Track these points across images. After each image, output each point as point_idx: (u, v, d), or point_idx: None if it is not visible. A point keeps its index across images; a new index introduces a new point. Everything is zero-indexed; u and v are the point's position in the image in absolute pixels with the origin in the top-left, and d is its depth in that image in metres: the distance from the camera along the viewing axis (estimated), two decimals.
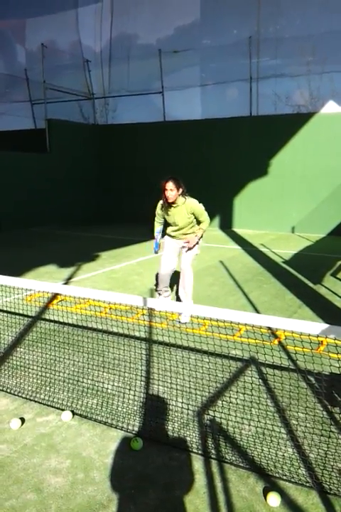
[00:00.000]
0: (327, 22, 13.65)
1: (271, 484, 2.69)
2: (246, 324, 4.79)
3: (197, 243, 5.60)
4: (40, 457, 2.95)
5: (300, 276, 8.10)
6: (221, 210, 14.91)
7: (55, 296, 6.09)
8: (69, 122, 16.09)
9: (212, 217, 16.02)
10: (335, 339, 2.51)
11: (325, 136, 13.14)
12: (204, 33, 15.65)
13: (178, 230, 5.57)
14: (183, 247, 5.61)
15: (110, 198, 16.70)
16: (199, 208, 5.44)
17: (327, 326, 2.49)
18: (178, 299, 5.85)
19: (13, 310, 5.14)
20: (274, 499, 2.52)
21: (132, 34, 16.85)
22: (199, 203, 5.47)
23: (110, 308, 5.36)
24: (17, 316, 5.06)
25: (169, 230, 5.70)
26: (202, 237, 5.65)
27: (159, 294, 5.87)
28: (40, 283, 3.77)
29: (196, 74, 15.88)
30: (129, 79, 16.50)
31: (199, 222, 5.53)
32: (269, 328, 4.87)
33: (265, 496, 2.57)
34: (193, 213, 5.43)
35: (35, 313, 5.54)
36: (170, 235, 5.70)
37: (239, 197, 14.63)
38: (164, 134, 15.47)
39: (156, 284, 6.14)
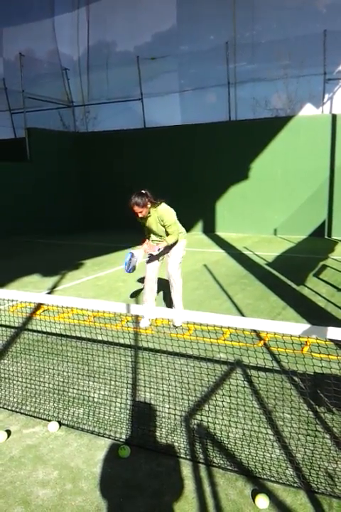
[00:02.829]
0: (302, 26, 13.88)
1: (259, 486, 2.71)
2: (230, 327, 4.83)
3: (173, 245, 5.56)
4: (27, 469, 2.93)
5: (283, 277, 8.18)
6: (203, 215, 14.99)
7: (39, 306, 6.04)
8: (49, 131, 16.02)
9: (194, 221, 15.96)
10: (317, 339, 2.55)
11: (303, 138, 13.32)
12: (181, 40, 15.77)
13: (156, 236, 5.55)
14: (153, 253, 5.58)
15: (93, 205, 16.65)
16: (168, 218, 5.32)
17: (308, 326, 2.52)
18: (172, 304, 5.80)
19: None
20: (263, 501, 2.54)
21: (110, 42, 16.89)
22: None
23: (95, 317, 5.34)
24: (0, 327, 5.00)
25: (151, 237, 5.70)
26: (182, 236, 5.60)
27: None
28: (24, 293, 3.74)
29: (174, 80, 15.96)
30: (108, 86, 16.52)
31: (167, 234, 5.42)
32: (254, 331, 4.91)
33: (253, 499, 2.59)
34: (162, 221, 5.35)
35: (19, 324, 5.49)
36: (152, 241, 5.69)
37: (221, 201, 14.72)
38: (145, 140, 15.50)
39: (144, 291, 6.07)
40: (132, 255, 5.42)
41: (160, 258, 5.69)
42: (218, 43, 14.75)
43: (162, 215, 5.32)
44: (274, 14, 14.40)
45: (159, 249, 5.42)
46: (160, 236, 5.50)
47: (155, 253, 5.46)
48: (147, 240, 5.62)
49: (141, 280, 7.90)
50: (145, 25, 15.61)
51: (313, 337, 2.59)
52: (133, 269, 5.45)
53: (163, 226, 5.37)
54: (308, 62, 13.80)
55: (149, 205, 5.29)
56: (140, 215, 5.31)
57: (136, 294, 7.13)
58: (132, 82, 15.94)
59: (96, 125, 17.32)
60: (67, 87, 17.38)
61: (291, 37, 13.78)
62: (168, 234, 5.41)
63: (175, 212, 5.48)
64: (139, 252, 5.52)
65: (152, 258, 5.66)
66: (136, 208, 5.23)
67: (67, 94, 17.37)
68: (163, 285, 6.39)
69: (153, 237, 5.63)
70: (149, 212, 5.36)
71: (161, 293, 6.79)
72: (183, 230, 5.69)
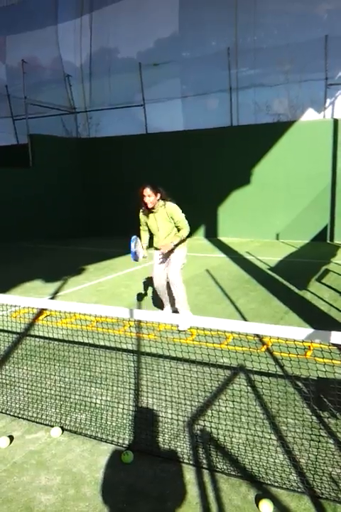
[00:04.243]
0: (304, 31, 13.93)
1: (263, 491, 2.69)
2: (233, 332, 4.82)
3: (174, 250, 5.56)
4: (29, 475, 2.92)
5: (285, 282, 8.17)
6: (205, 220, 15.00)
7: (41, 311, 6.04)
8: (52, 137, 16.07)
9: (196, 226, 16.01)
10: (321, 343, 2.54)
11: (305, 143, 13.34)
12: (183, 46, 15.85)
13: (161, 238, 5.56)
14: (161, 257, 5.61)
15: (95, 211, 16.67)
16: (178, 214, 5.44)
17: (312, 330, 2.51)
18: (175, 311, 5.81)
19: None
20: (267, 506, 2.52)
21: (112, 48, 16.97)
22: (183, 211, 5.49)
23: (97, 322, 5.34)
24: (2, 333, 5.00)
25: (154, 242, 5.70)
26: (183, 244, 5.62)
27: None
28: (26, 299, 3.74)
29: (177, 86, 16.01)
30: (111, 92, 16.59)
31: (179, 230, 5.52)
32: (257, 336, 4.89)
33: (257, 504, 2.57)
34: (172, 218, 5.42)
35: (22, 330, 5.48)
36: (156, 248, 5.70)
37: (223, 206, 14.74)
38: (147, 145, 15.54)
39: (145, 294, 6.13)
40: (136, 243, 5.49)
41: (166, 266, 5.69)
42: (220, 49, 14.82)
43: (172, 212, 5.40)
44: (276, 20, 14.46)
45: (173, 243, 5.44)
46: (164, 236, 5.51)
47: (169, 248, 5.45)
48: (139, 241, 5.62)
49: (144, 284, 7.91)
50: (148, 31, 15.68)
51: (317, 342, 2.57)
52: (136, 258, 5.52)
53: (174, 222, 5.45)
54: (310, 67, 13.84)
55: (159, 197, 5.37)
56: (147, 201, 5.33)
57: (138, 299, 7.13)
58: (134, 88, 16.02)
59: (99, 131, 17.39)
60: (70, 94, 17.46)
61: (293, 42, 13.81)
62: (178, 230, 5.49)
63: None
64: (140, 249, 5.60)
65: (159, 266, 5.66)
66: (147, 191, 5.29)
67: (69, 100, 17.45)
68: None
69: (156, 240, 5.64)
70: (155, 208, 5.40)
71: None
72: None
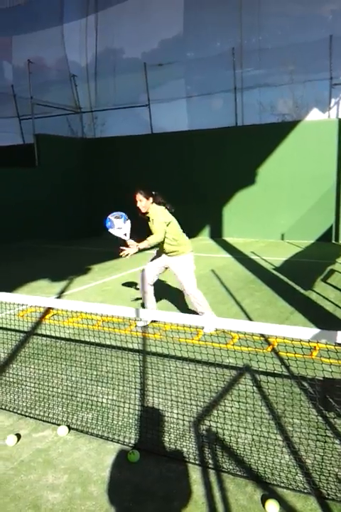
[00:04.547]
0: (308, 31, 13.91)
1: (269, 492, 2.70)
2: (239, 332, 4.83)
3: (174, 262, 5.46)
4: (37, 473, 2.94)
5: (291, 282, 8.16)
6: (210, 220, 15.01)
7: (47, 310, 6.07)
8: (58, 137, 16.12)
9: (201, 226, 15.93)
10: (327, 344, 2.54)
11: (310, 143, 13.32)
12: (188, 46, 15.86)
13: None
14: (164, 259, 5.56)
15: (100, 210, 16.61)
16: (156, 218, 5.28)
17: (318, 331, 2.52)
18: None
19: (5, 326, 5.10)
20: (273, 507, 2.53)
21: (117, 48, 17.01)
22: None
23: (103, 321, 5.36)
24: (10, 332, 5.02)
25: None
26: (178, 252, 5.44)
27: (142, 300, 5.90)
28: (33, 298, 3.77)
29: (181, 86, 16.03)
30: (116, 92, 16.61)
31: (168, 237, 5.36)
32: (262, 336, 4.90)
33: (263, 504, 2.58)
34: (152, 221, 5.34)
35: (28, 329, 5.50)
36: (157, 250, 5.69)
37: (228, 206, 14.73)
38: (152, 145, 15.55)
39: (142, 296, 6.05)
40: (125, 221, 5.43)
41: (159, 269, 5.64)
42: (224, 49, 14.82)
43: (152, 214, 5.34)
44: (280, 20, 14.45)
45: (138, 246, 5.21)
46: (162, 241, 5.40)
47: (131, 251, 5.18)
48: (128, 224, 5.49)
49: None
50: (153, 32, 15.70)
51: (323, 342, 2.58)
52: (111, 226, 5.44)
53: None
54: (314, 67, 13.83)
55: (151, 200, 5.35)
56: (138, 205, 5.34)
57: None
58: (139, 89, 16.05)
59: (104, 131, 17.42)
60: (75, 94, 17.50)
61: (297, 42, 13.79)
62: (172, 238, 5.36)
63: (167, 217, 5.39)
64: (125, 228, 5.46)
65: (155, 262, 5.64)
66: (138, 197, 5.32)
67: (75, 100, 17.50)
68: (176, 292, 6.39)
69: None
70: (148, 213, 5.40)
71: (177, 301, 6.83)
72: (188, 241, 5.57)
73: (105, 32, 16.76)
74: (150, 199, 5.35)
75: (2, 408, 3.80)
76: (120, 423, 3.45)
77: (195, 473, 2.89)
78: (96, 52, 17.06)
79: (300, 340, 2.64)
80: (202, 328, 5.28)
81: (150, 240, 5.24)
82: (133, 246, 5.23)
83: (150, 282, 5.65)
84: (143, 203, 5.33)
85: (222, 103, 15.88)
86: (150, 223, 5.46)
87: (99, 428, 3.41)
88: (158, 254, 5.66)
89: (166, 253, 5.50)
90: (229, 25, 14.70)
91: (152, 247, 5.41)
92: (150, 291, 5.70)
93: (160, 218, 5.28)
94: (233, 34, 14.64)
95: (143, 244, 5.23)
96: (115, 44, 16.79)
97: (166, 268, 5.66)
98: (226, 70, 14.81)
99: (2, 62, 18.71)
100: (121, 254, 5.22)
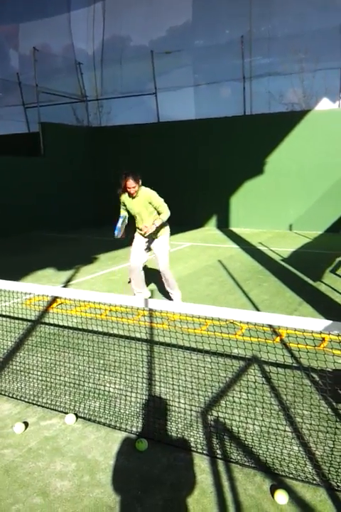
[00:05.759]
0: (318, 20, 13.73)
1: (277, 482, 2.68)
2: (247, 322, 4.79)
3: (158, 236, 5.88)
4: (45, 461, 2.94)
5: (299, 273, 8.10)
6: (218, 210, 14.92)
7: (54, 299, 6.06)
8: (63, 125, 16.05)
9: (208, 216, 15.87)
10: (339, 335, 2.50)
11: (319, 133, 13.17)
12: (196, 34, 15.69)
13: (142, 221, 5.83)
14: (146, 239, 5.90)
15: (106, 199, 16.58)
16: (156, 199, 5.71)
17: (330, 322, 2.48)
18: (170, 298, 6.14)
19: (12, 314, 5.10)
20: (282, 497, 2.51)
21: (125, 36, 16.87)
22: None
23: (110, 311, 5.34)
24: (16, 321, 5.02)
25: (136, 224, 5.99)
26: (164, 230, 5.93)
27: (134, 294, 6.15)
28: (39, 286, 3.75)
29: (189, 74, 15.89)
30: (122, 80, 16.50)
31: (159, 213, 5.77)
32: (270, 326, 4.86)
33: (272, 494, 2.57)
34: (151, 203, 5.69)
35: (35, 317, 5.52)
36: (138, 233, 6.02)
37: (235, 196, 14.64)
38: (158, 134, 15.45)
39: (129, 281, 6.37)
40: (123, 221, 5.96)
41: (148, 250, 6.04)
42: (233, 37, 14.65)
43: (150, 197, 5.70)
44: (291, 8, 14.25)
45: (155, 224, 5.70)
46: (144, 220, 5.80)
47: (152, 230, 5.73)
48: (125, 222, 5.99)
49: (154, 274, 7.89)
50: (161, 19, 15.55)
51: (335, 333, 2.54)
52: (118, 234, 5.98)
53: (154, 207, 5.71)
54: (324, 56, 13.65)
55: (140, 183, 5.67)
56: (132, 191, 5.62)
57: (150, 289, 7.13)
58: (146, 77, 15.91)
59: (110, 119, 17.31)
60: (81, 82, 17.40)
61: (307, 31, 13.62)
62: (159, 213, 5.74)
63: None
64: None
65: (138, 248, 5.99)
66: (131, 183, 5.56)
67: (80, 88, 17.40)
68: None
69: (137, 225, 5.95)
70: (137, 194, 5.69)
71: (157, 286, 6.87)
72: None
73: (112, 20, 16.61)
74: (140, 182, 5.66)
75: (9, 396, 3.80)
76: (127, 412, 3.44)
77: (202, 463, 2.88)
78: (103, 40, 16.93)
79: (312, 332, 2.60)
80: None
81: (163, 217, 5.72)
82: (150, 227, 5.70)
83: (139, 267, 6.06)
84: (136, 187, 5.63)
85: (230, 92, 15.75)
86: (139, 204, 5.74)
87: (106, 416, 3.41)
88: (138, 241, 6.00)
89: (152, 234, 5.84)
90: (239, 13, 14.51)
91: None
92: (139, 277, 6.11)
93: (158, 196, 5.73)
94: (242, 22, 14.45)
95: (158, 222, 5.70)
96: (122, 32, 16.65)
97: (150, 249, 6.05)
98: (234, 59, 14.65)
99: (9, 51, 18.63)
100: (143, 232, 5.78)
